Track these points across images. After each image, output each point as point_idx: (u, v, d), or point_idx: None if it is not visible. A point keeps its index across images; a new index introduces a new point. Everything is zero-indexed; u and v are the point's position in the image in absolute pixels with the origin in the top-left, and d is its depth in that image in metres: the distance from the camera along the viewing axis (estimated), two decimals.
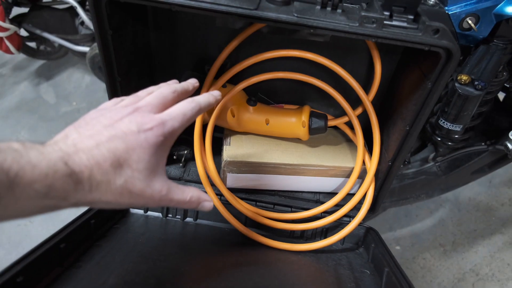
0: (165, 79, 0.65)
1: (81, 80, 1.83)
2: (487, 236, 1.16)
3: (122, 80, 0.52)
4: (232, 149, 0.58)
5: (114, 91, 0.53)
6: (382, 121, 0.58)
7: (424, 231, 1.21)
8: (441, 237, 1.19)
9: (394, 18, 0.41)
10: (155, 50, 0.61)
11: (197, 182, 0.63)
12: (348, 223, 0.58)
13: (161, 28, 0.58)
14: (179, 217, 0.62)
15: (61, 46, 1.81)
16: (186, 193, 0.35)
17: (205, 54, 0.61)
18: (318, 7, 0.42)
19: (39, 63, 1.92)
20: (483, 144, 0.82)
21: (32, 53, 1.72)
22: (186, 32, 0.59)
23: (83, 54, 1.50)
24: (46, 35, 1.56)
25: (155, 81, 0.65)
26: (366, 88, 0.58)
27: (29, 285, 0.39)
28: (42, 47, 1.74)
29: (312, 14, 0.41)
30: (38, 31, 1.50)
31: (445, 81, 0.44)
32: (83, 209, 0.52)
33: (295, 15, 0.40)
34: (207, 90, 0.56)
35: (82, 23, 1.45)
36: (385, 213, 1.26)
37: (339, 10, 0.42)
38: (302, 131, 0.58)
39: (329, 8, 0.42)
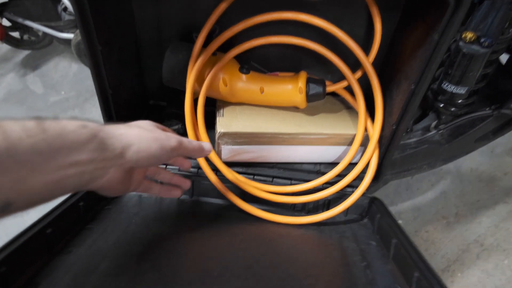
0: (151, 53, 0.61)
1: (68, 68, 1.78)
2: (490, 206, 1.14)
3: (103, 49, 0.48)
4: (226, 120, 0.55)
5: (96, 63, 0.49)
6: (383, 84, 0.54)
7: (426, 204, 1.20)
8: (444, 209, 1.17)
9: None
10: (139, 19, 0.57)
11: (190, 157, 0.60)
12: (351, 193, 0.55)
13: None
14: None
15: (45, 34, 1.75)
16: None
17: (192, 21, 0.57)
18: None
19: (24, 53, 1.87)
20: (487, 109, 0.79)
21: (16, 43, 1.67)
22: None
23: (68, 41, 1.46)
24: (29, 23, 1.51)
25: (140, 56, 0.61)
26: (366, 50, 0.55)
27: (13, 274, 0.36)
28: (26, 37, 1.70)
29: None
30: (20, 20, 1.45)
31: (454, 32, 0.40)
32: None
33: None
34: (195, 60, 0.52)
35: (65, 9, 1.40)
36: (386, 187, 1.24)
37: None
38: (299, 98, 0.55)
39: None
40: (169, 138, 0.36)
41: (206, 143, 0.44)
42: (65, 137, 0.26)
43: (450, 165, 1.23)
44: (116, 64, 0.53)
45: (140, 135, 0.33)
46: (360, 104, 0.55)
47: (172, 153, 0.36)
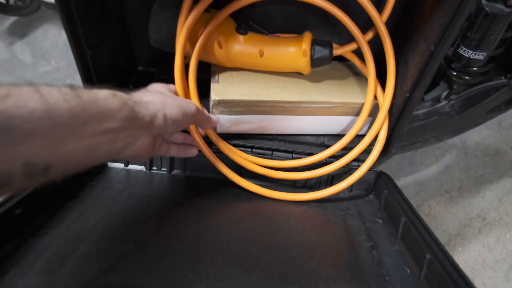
0: (137, 10, 0.55)
1: (58, 37, 1.69)
2: (495, 180, 1.11)
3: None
4: (221, 87, 0.49)
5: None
6: (397, 45, 0.49)
7: (429, 178, 1.16)
8: (447, 183, 1.14)
9: None
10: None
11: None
12: (356, 168, 0.51)
13: None
14: (165, 169, 0.54)
15: None
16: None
17: None
18: None
19: (10, 20, 1.77)
20: (502, 78, 0.73)
21: (2, 9, 1.59)
22: None
23: (56, 6, 1.36)
24: None
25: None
26: (379, 8, 0.48)
27: None
28: (11, 1, 1.61)
29: None
30: None
31: None
32: None
33: None
34: (186, 17, 0.46)
35: None
36: (389, 161, 1.20)
37: None
38: (303, 62, 0.49)
39: None
40: (189, 104, 0.38)
41: (213, 115, 0.46)
42: (98, 104, 0.27)
43: (456, 139, 1.19)
44: (96, 21, 0.46)
45: (165, 102, 0.35)
46: (370, 69, 0.49)
47: (192, 120, 0.39)
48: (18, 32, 1.68)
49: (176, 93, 0.46)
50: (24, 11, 1.69)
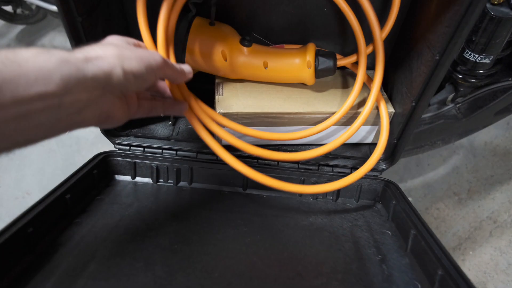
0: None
1: (65, 43, 1.71)
2: (505, 181, 1.09)
3: (83, 20, 0.42)
4: (226, 99, 0.49)
5: (76, 37, 0.43)
6: (402, 54, 0.48)
7: (437, 180, 1.15)
8: (455, 185, 1.13)
9: None
10: None
11: (188, 140, 0.55)
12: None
13: None
14: (171, 181, 0.54)
15: (38, 8, 1.68)
16: None
17: None
18: None
19: (18, 28, 1.80)
20: (510, 79, 0.72)
21: (10, 18, 1.62)
22: None
23: None
24: None
25: (129, 25, 0.54)
26: (381, 19, 0.48)
27: None
28: (19, 11, 1.65)
29: None
30: None
31: None
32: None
33: None
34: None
35: None
36: (395, 164, 1.19)
37: None
38: (307, 74, 0.49)
39: None
40: (153, 55, 0.32)
41: (185, 65, 0.39)
42: (20, 65, 0.23)
43: (463, 139, 1.18)
44: (101, 37, 0.47)
45: (121, 55, 0.29)
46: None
47: (158, 73, 0.33)
48: (26, 40, 1.70)
49: (138, 46, 0.38)
50: (31, 20, 1.71)
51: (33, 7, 1.67)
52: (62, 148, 1.32)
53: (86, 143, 1.31)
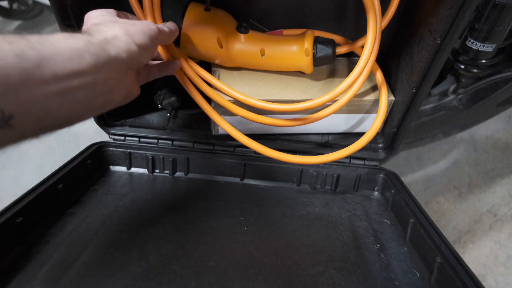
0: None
1: None
2: (506, 175, 1.09)
3: (73, 3, 0.41)
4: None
5: (66, 20, 0.42)
6: (402, 40, 0.47)
7: (437, 174, 1.14)
8: (456, 179, 1.12)
9: None
10: None
11: (184, 130, 0.54)
12: (362, 166, 0.49)
13: None
14: (167, 172, 0.53)
15: (35, 2, 1.67)
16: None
17: None
18: None
19: (15, 24, 1.79)
20: None
21: (6, 14, 1.61)
22: None
23: None
24: None
25: (121, 7, 0.53)
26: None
27: None
28: (15, 6, 1.63)
29: None
30: None
31: None
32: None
33: None
34: None
35: None
36: (396, 157, 1.18)
37: None
38: (305, 62, 0.48)
39: None
40: (149, 25, 0.34)
41: (170, 23, 0.41)
42: (54, 45, 0.24)
43: (464, 133, 1.17)
44: None
45: (129, 32, 0.31)
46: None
47: (157, 41, 0.35)
48: None
49: (121, 16, 0.39)
50: (27, 15, 1.70)
51: (29, 2, 1.65)
52: (61, 144, 1.31)
53: (85, 138, 1.30)
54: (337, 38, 0.52)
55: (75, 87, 0.25)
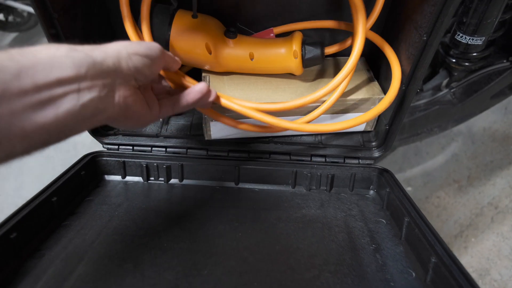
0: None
1: None
2: (505, 166, 1.08)
3: (60, 17, 0.41)
4: None
5: (54, 34, 0.42)
6: (390, 37, 0.47)
7: (436, 168, 1.14)
8: (455, 172, 1.12)
9: None
10: None
11: (177, 137, 0.54)
12: (356, 166, 0.49)
13: None
14: (162, 179, 0.53)
15: (30, 15, 1.68)
16: None
17: None
18: None
19: (10, 36, 1.80)
20: (504, 61, 0.71)
21: (2, 26, 1.62)
22: None
23: None
24: (11, 3, 1.44)
25: (111, 21, 0.53)
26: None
27: None
28: (10, 18, 1.64)
29: None
30: (1, 0, 1.39)
31: None
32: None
33: None
34: None
35: None
36: (393, 153, 1.18)
37: None
38: (294, 64, 0.48)
39: None
40: (152, 43, 0.34)
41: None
42: (34, 54, 0.24)
43: (461, 126, 1.16)
44: (79, 33, 0.46)
45: (125, 44, 0.31)
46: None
47: (158, 60, 0.34)
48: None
49: None
50: (23, 27, 1.71)
51: (25, 14, 1.66)
52: (60, 153, 1.32)
53: (84, 148, 1.30)
54: (330, 23, 0.51)
55: (58, 96, 0.24)
